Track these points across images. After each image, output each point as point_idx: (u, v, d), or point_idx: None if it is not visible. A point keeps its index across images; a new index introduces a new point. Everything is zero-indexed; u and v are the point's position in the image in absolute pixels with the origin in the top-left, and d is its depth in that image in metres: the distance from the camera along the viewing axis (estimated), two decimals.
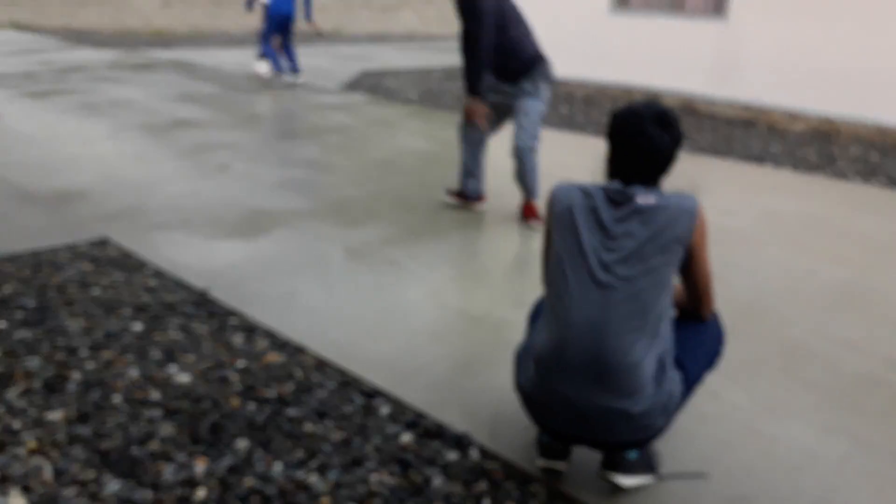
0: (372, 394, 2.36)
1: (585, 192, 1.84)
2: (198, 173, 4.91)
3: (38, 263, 3.30)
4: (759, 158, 5.90)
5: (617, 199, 1.80)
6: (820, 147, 6.49)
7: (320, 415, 2.24)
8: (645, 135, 1.79)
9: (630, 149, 1.81)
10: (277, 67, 9.12)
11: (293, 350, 2.62)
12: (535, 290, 3.20)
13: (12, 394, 2.29)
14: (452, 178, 5.01)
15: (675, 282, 1.88)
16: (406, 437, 2.14)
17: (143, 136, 5.94)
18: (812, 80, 7.17)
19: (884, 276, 3.52)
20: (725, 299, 3.16)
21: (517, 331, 2.82)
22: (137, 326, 2.75)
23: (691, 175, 5.36)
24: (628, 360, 1.73)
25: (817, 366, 2.64)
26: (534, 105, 3.89)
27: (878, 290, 3.34)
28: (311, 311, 2.93)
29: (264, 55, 9.07)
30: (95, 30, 17.88)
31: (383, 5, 25.20)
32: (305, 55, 12.57)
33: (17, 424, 2.14)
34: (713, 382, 2.48)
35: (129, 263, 3.36)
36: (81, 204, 4.18)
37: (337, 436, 2.14)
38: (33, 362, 2.47)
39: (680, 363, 1.89)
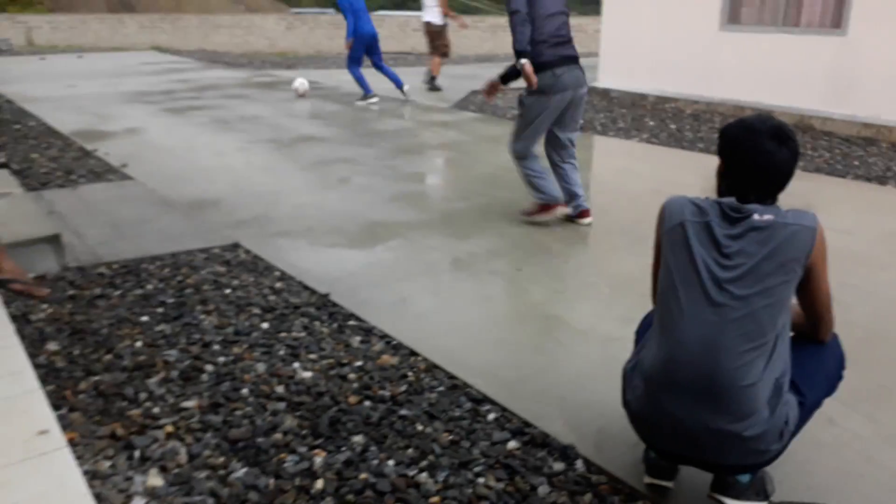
0: (479, 399, 2.43)
1: (699, 206, 1.80)
2: (320, 185, 5.19)
3: (177, 264, 3.61)
4: (880, 178, 5.54)
5: (732, 216, 1.76)
6: None
7: (431, 416, 2.33)
8: (762, 150, 1.75)
9: (746, 165, 1.77)
10: (367, 90, 9.00)
11: (406, 353, 2.74)
12: (642, 306, 3.14)
13: (153, 381, 2.52)
14: None
15: (793, 302, 1.84)
16: (512, 444, 2.19)
17: (270, 149, 6.34)
18: None
19: None
20: (842, 323, 2.97)
21: (624, 347, 2.80)
22: (265, 325, 2.96)
23: (806, 194, 5.11)
24: (743, 381, 1.68)
25: None
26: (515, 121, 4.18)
27: None
28: (421, 317, 3.05)
29: (356, 79, 8.96)
30: (227, 51, 19.17)
31: (491, 25, 25.53)
32: (418, 75, 12.96)
33: (156, 410, 2.35)
34: (830, 409, 2.36)
35: (258, 267, 3.61)
36: (215, 211, 4.53)
37: (446, 438, 2.22)
38: (172, 353, 2.71)
39: (797, 387, 1.82)
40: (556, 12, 3.90)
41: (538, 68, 3.84)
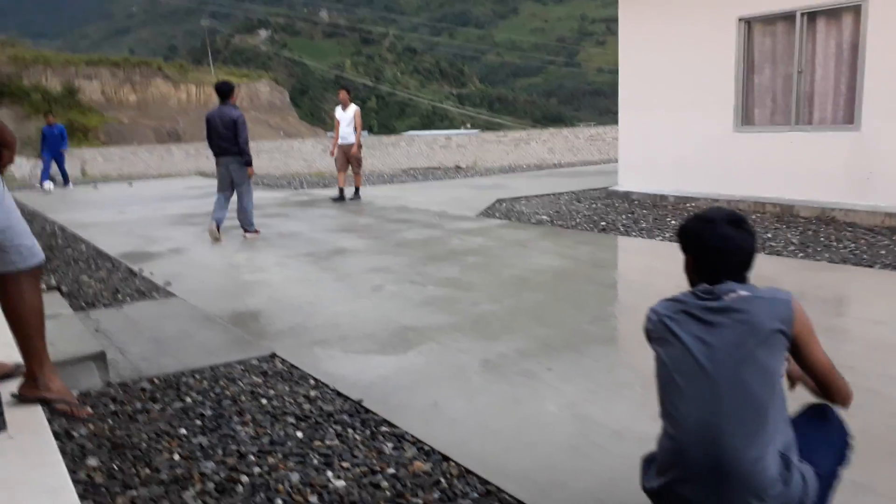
0: None
1: (675, 299, 1.94)
2: (354, 294, 5.34)
3: (216, 377, 3.70)
4: None
5: (707, 297, 1.87)
6: None
7: None
8: (724, 235, 1.90)
9: (713, 251, 1.91)
10: (44, 179, 16.07)
11: (439, 459, 2.74)
12: None
13: (189, 495, 2.54)
14: (586, 292, 5.07)
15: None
16: None
17: (307, 263, 6.57)
18: None
19: None
20: (884, 414, 2.94)
21: None
22: (299, 433, 3.00)
23: (835, 285, 5.06)
24: (747, 457, 1.72)
25: None
26: None
27: None
28: (453, 422, 3.05)
29: (42, 178, 16.16)
30: (267, 173, 20.13)
31: (514, 139, 26.68)
32: (447, 188, 13.42)
33: None
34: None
35: (294, 376, 3.69)
36: (254, 323, 4.67)
37: None
38: (208, 465, 2.74)
39: (808, 460, 1.84)
40: (219, 130, 7.84)
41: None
